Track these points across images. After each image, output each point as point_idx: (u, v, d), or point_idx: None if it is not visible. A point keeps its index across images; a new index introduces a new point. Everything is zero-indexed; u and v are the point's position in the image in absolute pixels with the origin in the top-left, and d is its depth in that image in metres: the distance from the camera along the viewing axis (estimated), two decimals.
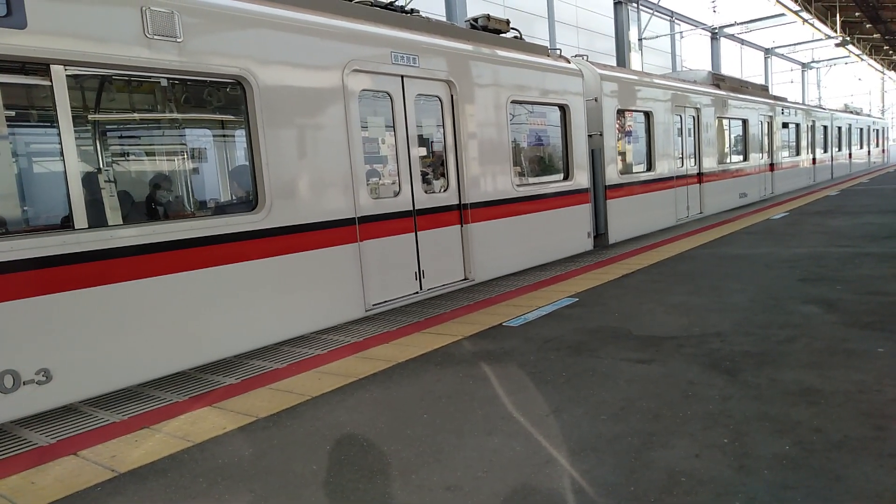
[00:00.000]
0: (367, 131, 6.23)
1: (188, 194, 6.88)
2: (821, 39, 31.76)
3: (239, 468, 2.99)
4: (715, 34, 34.12)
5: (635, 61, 25.28)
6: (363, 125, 6.07)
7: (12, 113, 4.96)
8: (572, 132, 8.99)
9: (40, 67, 3.97)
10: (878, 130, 36.03)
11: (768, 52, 42.46)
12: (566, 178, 9.01)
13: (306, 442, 3.24)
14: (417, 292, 6.56)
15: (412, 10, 6.93)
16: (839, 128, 26.32)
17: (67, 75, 4.04)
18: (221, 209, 6.34)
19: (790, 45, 41.60)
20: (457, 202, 7.03)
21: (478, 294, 6.80)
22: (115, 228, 4.34)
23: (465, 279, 7.15)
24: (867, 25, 22.49)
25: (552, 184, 8.79)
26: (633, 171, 11.15)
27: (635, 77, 11.85)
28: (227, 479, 2.88)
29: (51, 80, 3.97)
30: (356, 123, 5.87)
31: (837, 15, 21.71)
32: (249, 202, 5.22)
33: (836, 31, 22.76)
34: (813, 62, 48.63)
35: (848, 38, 24.81)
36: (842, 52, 33.21)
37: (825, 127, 23.87)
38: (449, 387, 3.92)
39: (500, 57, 7.82)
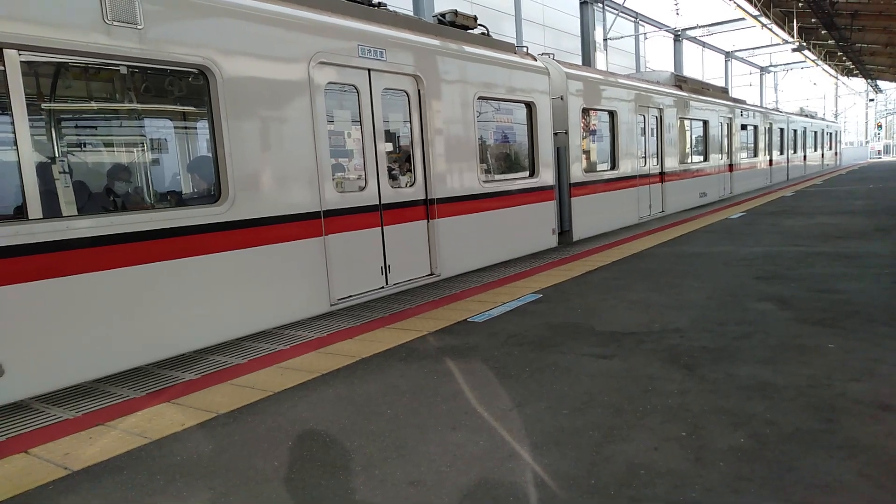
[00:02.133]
0: (333, 125, 6.18)
1: (148, 186, 6.70)
2: (778, 44, 32.70)
3: (198, 465, 2.94)
4: (678, 36, 34.80)
5: (600, 61, 25.60)
6: (329, 118, 6.02)
7: None
8: (538, 130, 9.08)
9: None
10: (831, 134, 37.19)
11: (728, 55, 43.48)
12: (532, 175, 9.10)
13: (267, 438, 3.20)
14: (383, 287, 6.55)
15: (380, 3, 6.90)
16: (795, 131, 27.07)
17: (21, 61, 3.91)
18: (183, 201, 6.21)
19: (749, 49, 42.74)
20: (423, 197, 7.04)
21: (443, 290, 6.82)
22: (70, 219, 4.20)
23: (430, 274, 7.17)
24: (822, 31, 23.19)
25: (518, 180, 8.85)
26: (598, 169, 11.33)
27: (600, 76, 11.99)
28: (186, 476, 2.83)
29: (3, 66, 3.85)
30: (322, 116, 5.82)
31: (795, 21, 22.33)
32: (212, 194, 5.16)
33: (793, 37, 23.41)
34: (771, 66, 50.01)
35: (804, 44, 25.55)
36: (798, 57, 34.23)
37: (781, 129, 24.55)
38: (413, 382, 3.92)
39: (468, 53, 7.84)
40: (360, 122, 6.32)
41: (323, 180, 5.78)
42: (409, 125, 6.94)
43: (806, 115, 30.52)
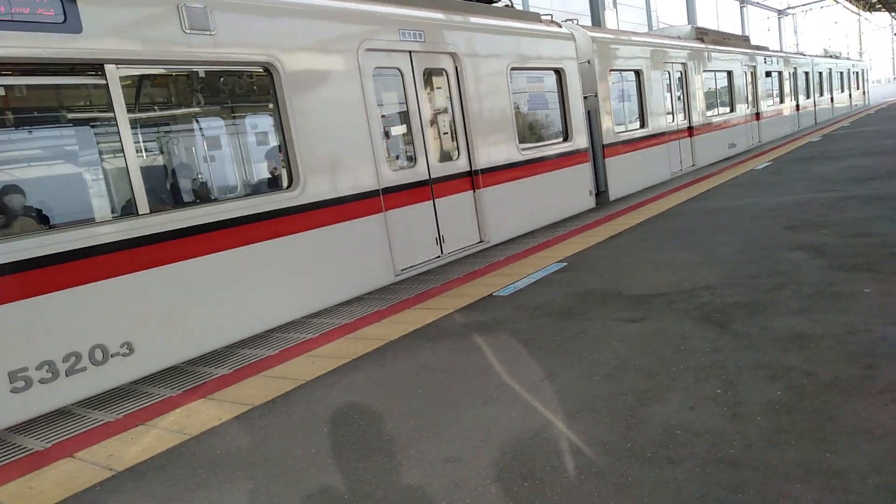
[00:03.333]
0: (383, 107, 6.47)
1: (232, 177, 7.22)
2: None
3: (238, 457, 2.99)
4: None
5: (610, 19, 25.03)
6: (378, 102, 6.34)
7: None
8: (569, 95, 9.29)
9: (96, 68, 4.26)
10: (857, 73, 36.32)
11: (743, 0, 42.18)
12: (566, 139, 9.31)
13: (303, 426, 3.24)
14: (439, 256, 6.93)
15: None
16: (820, 73, 26.50)
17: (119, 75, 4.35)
18: (259, 190, 6.56)
19: None
20: (468, 169, 7.36)
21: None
22: (172, 212, 4.65)
23: (480, 242, 7.51)
24: None
25: (553, 146, 9.05)
26: (628, 129, 11.41)
27: (624, 37, 12.00)
28: (227, 469, 2.88)
29: (106, 80, 4.26)
30: (373, 100, 6.16)
31: None
32: (286, 181, 5.56)
33: None
34: (789, 8, 48.41)
35: None
36: None
37: (806, 73, 24.05)
38: (442, 360, 3.92)
39: (498, 26, 8.06)
40: (406, 101, 6.65)
41: (378, 160, 6.12)
42: (449, 100, 7.22)
43: (830, 56, 29.84)
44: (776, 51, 22.05)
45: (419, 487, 2.49)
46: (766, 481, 2.17)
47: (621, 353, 3.61)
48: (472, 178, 7.39)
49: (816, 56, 27.15)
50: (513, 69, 8.16)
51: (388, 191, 6.23)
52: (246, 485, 2.72)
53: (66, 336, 3.99)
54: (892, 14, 43.41)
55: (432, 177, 6.84)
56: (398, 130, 6.74)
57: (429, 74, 6.95)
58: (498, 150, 7.83)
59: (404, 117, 6.71)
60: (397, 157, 6.66)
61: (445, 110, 7.25)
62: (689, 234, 6.73)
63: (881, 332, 3.32)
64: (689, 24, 32.26)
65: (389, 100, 6.62)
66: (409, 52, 6.62)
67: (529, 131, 8.96)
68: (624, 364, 3.43)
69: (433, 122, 7.02)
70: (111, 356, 4.15)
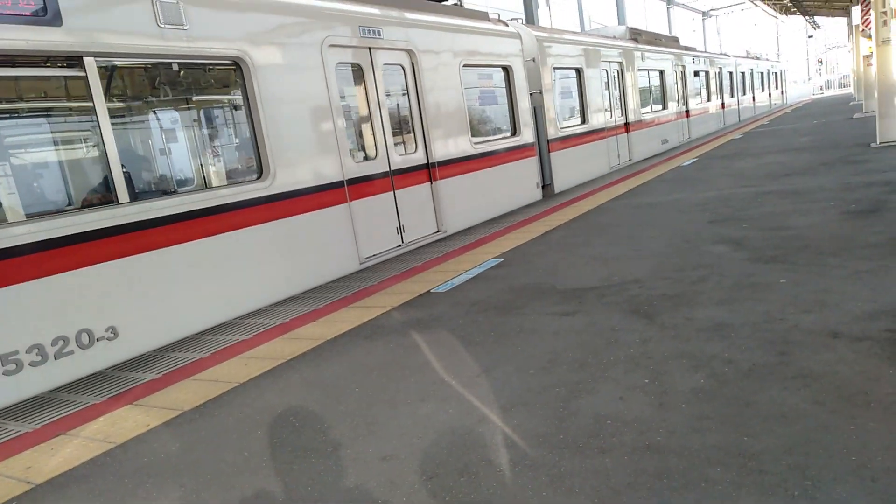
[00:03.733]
0: (345, 101, 6.73)
1: (202, 169, 7.23)
2: None
3: (167, 464, 2.89)
4: None
5: (543, 17, 25.42)
6: (341, 96, 6.57)
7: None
8: (516, 91, 9.72)
9: (75, 61, 4.35)
10: (776, 74, 38.52)
11: (670, 1, 43.68)
12: (514, 134, 9.75)
13: (236, 430, 3.16)
14: (400, 245, 7.25)
15: None
16: (743, 73, 27.90)
17: (99, 66, 4.47)
18: (233, 180, 6.53)
19: None
20: (425, 161, 7.70)
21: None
22: (158, 199, 4.84)
23: (437, 231, 7.88)
24: None
25: (503, 140, 9.50)
26: (570, 125, 11.98)
27: (567, 36, 12.55)
28: (155, 477, 2.78)
29: (85, 72, 4.37)
30: (336, 93, 6.37)
31: None
32: (255, 172, 5.73)
33: None
34: (712, 10, 50.41)
35: None
36: None
37: (730, 73, 25.32)
38: (380, 359, 3.91)
39: (451, 24, 8.43)
40: (366, 95, 6.90)
41: (343, 152, 6.37)
42: (406, 96, 7.56)
43: (752, 58, 31.49)
44: (703, 51, 23.09)
45: (356, 487, 2.48)
46: (690, 466, 2.27)
47: (555, 346, 3.69)
48: (430, 171, 7.73)
49: (740, 57, 28.46)
50: (464, 66, 8.50)
51: (352, 182, 6.51)
52: (175, 493, 2.63)
53: (54, 320, 4.14)
54: (806, 18, 45.90)
55: (392, 169, 7.14)
56: (360, 124, 6.99)
57: (387, 70, 7.22)
58: (453, 143, 8.17)
59: (365, 111, 6.94)
60: (361, 150, 6.91)
61: (403, 105, 7.55)
62: (620, 229, 6.94)
63: (794, 321, 3.52)
64: (619, 23, 33.18)
65: (351, 94, 6.87)
66: (369, 48, 6.90)
67: (481, 126, 9.33)
68: (557, 357, 3.51)
69: (392, 116, 7.28)
70: (97, 340, 4.35)
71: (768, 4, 35.49)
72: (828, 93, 60.96)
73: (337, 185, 6.31)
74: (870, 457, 2.16)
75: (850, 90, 42.36)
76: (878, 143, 11.12)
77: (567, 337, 3.81)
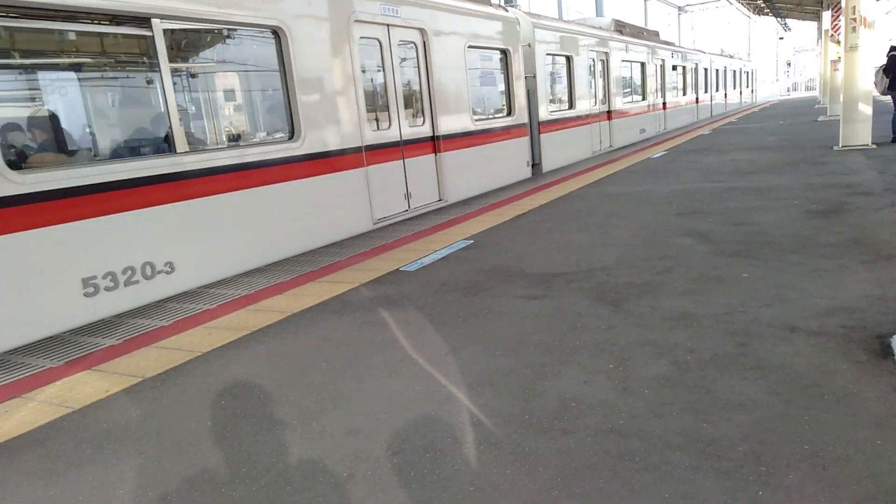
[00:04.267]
0: (364, 72, 7.20)
1: (247, 126, 7.64)
2: None
3: (126, 431, 2.84)
4: None
5: (522, 3, 25.28)
6: (362, 68, 7.08)
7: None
8: (513, 73, 10.26)
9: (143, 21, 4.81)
10: (748, 73, 39.67)
11: None
12: (509, 114, 10.34)
13: (199, 399, 3.12)
14: (406, 210, 7.80)
15: None
16: (717, 70, 28.64)
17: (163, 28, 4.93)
18: (270, 139, 6.80)
19: None
20: (431, 134, 8.25)
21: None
22: (211, 151, 5.46)
23: (439, 200, 8.46)
24: None
25: (500, 119, 10.14)
26: (559, 109, 12.59)
27: (559, 24, 13.10)
28: (115, 443, 2.74)
29: (152, 31, 4.85)
30: (358, 66, 6.91)
31: None
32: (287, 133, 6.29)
33: None
34: (688, 6, 50.86)
35: None
36: None
37: (706, 69, 26.01)
38: (347, 334, 3.90)
39: (459, 7, 8.98)
40: (384, 69, 7.44)
41: (362, 120, 6.93)
42: (416, 71, 8.11)
43: (726, 56, 32.43)
44: (681, 47, 23.71)
45: (319, 460, 2.47)
46: (651, 450, 2.33)
47: (522, 328, 3.73)
48: (435, 143, 8.28)
49: (714, 55, 29.15)
50: (469, 47, 9.06)
51: (369, 148, 7.05)
52: (135, 459, 2.59)
53: (124, 251, 4.67)
54: (778, 20, 46.70)
55: (403, 139, 7.68)
56: (376, 95, 7.48)
57: (402, 46, 7.77)
58: (456, 119, 8.76)
59: (381, 83, 7.48)
60: (376, 119, 7.35)
61: (414, 80, 8.10)
62: (589, 216, 7.02)
63: (755, 314, 3.62)
64: (596, 12, 33.25)
65: (369, 66, 7.34)
66: (388, 25, 7.42)
67: (480, 105, 9.93)
68: (524, 339, 3.55)
69: (403, 89, 7.81)
70: (157, 272, 4.88)
71: (742, 3, 35.98)
72: (794, 95, 62.33)
73: (356, 151, 6.88)
74: (822, 446, 2.25)
75: (816, 93, 43.60)
76: (840, 146, 11.44)
77: (534, 320, 3.85)
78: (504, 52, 10.12)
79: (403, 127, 7.69)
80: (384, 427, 2.69)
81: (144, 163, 4.84)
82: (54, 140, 5.15)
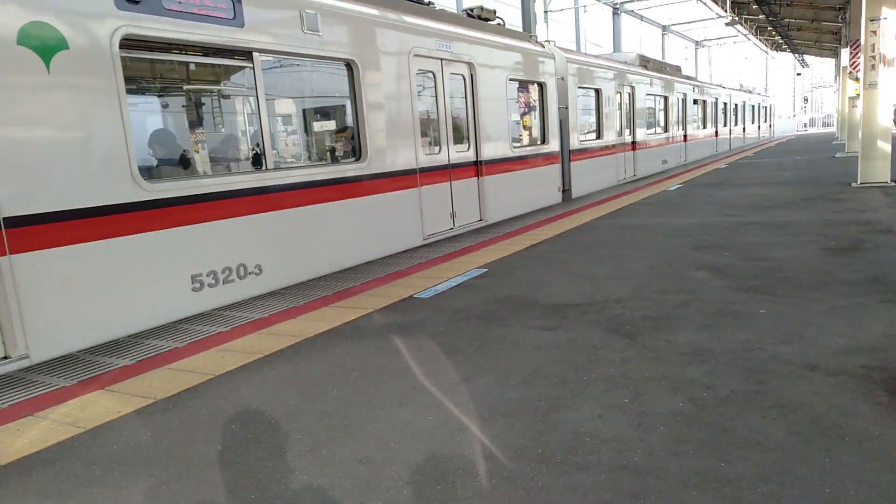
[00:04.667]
0: (420, 100, 7.93)
1: (323, 148, 8.13)
2: (712, 18, 33.55)
3: (136, 453, 2.83)
4: (616, 9, 35.13)
5: (540, 33, 25.63)
6: (418, 97, 7.84)
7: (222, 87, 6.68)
8: (548, 105, 11.10)
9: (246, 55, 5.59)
10: (766, 108, 40.29)
11: (665, 28, 44.29)
12: (543, 142, 11.14)
13: (210, 422, 3.11)
14: (451, 228, 8.48)
15: (429, 2, 8.74)
16: (736, 104, 29.28)
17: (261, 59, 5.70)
18: (339, 160, 7.48)
19: (685, 23, 43.55)
20: (474, 159, 8.98)
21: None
22: (291, 169, 6.31)
23: (480, 220, 9.13)
24: (753, 6, 23.83)
25: (535, 147, 10.93)
26: (588, 139, 13.38)
27: (590, 60, 14.01)
28: (124, 465, 2.73)
29: (252, 64, 5.61)
30: (415, 94, 7.66)
31: None
32: (356, 155, 7.01)
33: (725, 11, 24.01)
34: (705, 40, 51.19)
35: (736, 18, 26.28)
36: (731, 31, 35.21)
37: (724, 104, 26.60)
38: (359, 360, 3.88)
39: (502, 43, 9.80)
40: (436, 98, 8.19)
41: (417, 144, 7.67)
42: (464, 101, 8.87)
43: (745, 91, 33.09)
44: (702, 81, 24.39)
45: (329, 488, 2.45)
46: (666, 488, 2.28)
47: (536, 359, 3.69)
48: (477, 167, 9.01)
49: (733, 89, 29.82)
50: (510, 79, 9.87)
51: (422, 170, 7.76)
52: (144, 482, 2.58)
53: (224, 253, 5.32)
54: (796, 56, 46.84)
55: (451, 163, 8.42)
56: (429, 122, 8.21)
57: (452, 78, 8.55)
58: (497, 145, 9.51)
59: (433, 111, 8.22)
60: (428, 144, 8.12)
61: (460, 109, 8.85)
62: (604, 248, 6.99)
63: (773, 351, 3.56)
64: (614, 44, 33.57)
65: (424, 96, 8.11)
66: (441, 59, 8.23)
67: (518, 133, 10.73)
68: (538, 370, 3.52)
69: (452, 117, 8.56)
70: (248, 273, 5.52)
71: (760, 39, 36.17)
72: (811, 130, 62.23)
73: (412, 172, 7.62)
74: (843, 490, 2.19)
75: (833, 129, 43.60)
76: (858, 182, 11.36)
77: (548, 351, 3.82)
78: (540, 85, 10.91)
79: (451, 152, 8.44)
80: (395, 456, 2.66)
81: (242, 177, 5.57)
82: (172, 155, 5.96)
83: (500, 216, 9.60)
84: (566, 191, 12.04)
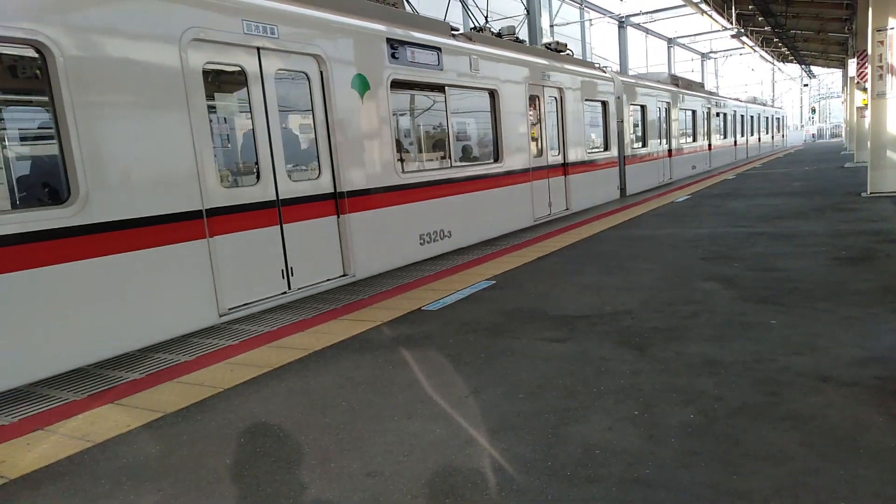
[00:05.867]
0: (531, 116, 10.42)
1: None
2: (718, 31, 33.62)
3: (145, 467, 2.83)
4: (622, 23, 35.25)
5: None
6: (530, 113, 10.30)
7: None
8: (609, 120, 13.69)
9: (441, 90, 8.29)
10: (779, 119, 43.66)
11: (671, 41, 44.36)
12: (606, 149, 13.68)
13: (218, 436, 3.11)
14: (549, 214, 10.92)
15: (517, 38, 11.26)
16: (752, 117, 32.12)
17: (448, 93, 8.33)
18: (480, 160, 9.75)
19: (691, 36, 43.61)
20: (562, 161, 11.34)
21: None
22: (466, 166, 8.89)
23: (567, 209, 11.48)
24: (759, 18, 23.85)
25: (602, 153, 13.44)
26: (637, 147, 15.86)
27: (638, 81, 16.65)
28: (133, 479, 2.72)
29: (445, 96, 8.32)
30: (527, 112, 10.10)
31: (733, 7, 22.90)
32: (493, 157, 9.48)
33: (731, 23, 24.05)
34: (711, 52, 51.21)
35: (742, 30, 26.31)
36: (737, 43, 35.35)
37: (742, 116, 29.31)
38: (368, 373, 3.87)
39: (580, 71, 12.47)
40: (538, 115, 10.51)
41: (529, 151, 10.09)
42: (555, 116, 11.36)
43: (759, 104, 36.25)
44: (723, 96, 26.85)
45: (338, 502, 2.43)
46: (678, 501, 2.25)
47: (545, 372, 3.67)
48: (565, 168, 11.44)
49: (749, 103, 32.58)
50: (585, 100, 12.35)
51: (533, 169, 10.18)
52: (153, 496, 2.58)
53: (434, 222, 7.93)
54: (802, 66, 46.77)
55: (549, 164, 10.81)
56: (536, 133, 10.61)
57: (549, 99, 11.01)
58: (577, 150, 12.00)
59: (536, 125, 10.53)
60: (537, 149, 10.52)
61: (553, 123, 11.24)
62: (612, 259, 6.97)
63: (784, 362, 3.53)
64: (620, 58, 33.67)
65: (530, 113, 10.34)
66: (543, 85, 10.72)
67: (589, 142, 13.14)
68: (547, 383, 3.50)
69: (534, 125, 10.59)
70: (444, 236, 8.09)
71: (767, 51, 36.18)
72: (820, 141, 62.03)
73: (526, 171, 9.99)
74: (859, 503, 2.16)
75: (842, 139, 43.98)
76: (868, 192, 11.29)
77: (557, 363, 3.80)
78: (603, 103, 13.47)
79: (549, 156, 10.89)
80: (404, 470, 2.65)
81: (444, 171, 8.23)
82: (410, 147, 8.49)
83: (580, 206, 12.13)
84: (622, 189, 14.53)
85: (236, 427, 3.20)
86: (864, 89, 14.00)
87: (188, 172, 4.97)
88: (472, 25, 11.16)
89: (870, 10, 10.96)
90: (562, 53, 12.33)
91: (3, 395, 3.85)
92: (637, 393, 3.26)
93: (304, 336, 4.74)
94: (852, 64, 22.02)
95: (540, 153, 10.66)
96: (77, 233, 4.21)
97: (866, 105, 12.92)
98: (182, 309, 4.95)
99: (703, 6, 23.76)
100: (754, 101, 35.43)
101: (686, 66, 48.92)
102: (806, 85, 64.77)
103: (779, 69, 54.12)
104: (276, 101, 5.86)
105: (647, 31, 39.42)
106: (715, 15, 24.98)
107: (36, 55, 4.11)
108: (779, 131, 43.33)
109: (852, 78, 22.65)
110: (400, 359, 4.10)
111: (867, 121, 12.20)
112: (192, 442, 3.05)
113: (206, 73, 5.18)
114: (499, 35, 10.55)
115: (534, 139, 10.49)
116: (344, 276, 6.59)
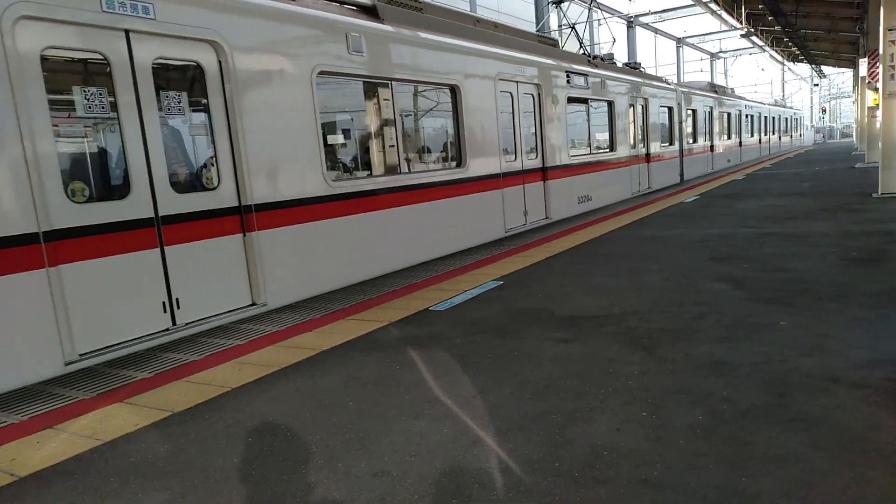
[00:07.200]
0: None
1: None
2: (727, 31, 33.56)
3: (154, 466, 2.85)
4: (630, 23, 35.14)
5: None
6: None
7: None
8: (675, 120, 17.36)
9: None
10: (797, 119, 47.96)
11: (680, 41, 44.16)
12: (671, 143, 17.31)
13: (226, 435, 3.12)
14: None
15: (593, 56, 13.72)
16: (774, 117, 36.08)
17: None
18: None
19: (700, 35, 43.41)
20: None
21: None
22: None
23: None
24: (769, 18, 23.71)
25: (668, 147, 16.99)
26: (692, 143, 19.57)
27: (692, 90, 20.08)
28: (141, 478, 2.74)
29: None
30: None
31: (743, 7, 22.78)
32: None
33: (741, 23, 23.92)
34: (721, 52, 50.94)
35: (752, 30, 26.21)
36: (746, 43, 35.31)
37: (765, 117, 33.33)
38: (375, 373, 3.88)
39: (656, 84, 16.00)
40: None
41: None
42: (643, 120, 15.02)
43: (780, 105, 40.73)
44: (750, 100, 30.51)
45: (345, 501, 2.44)
46: (686, 503, 2.24)
47: (552, 372, 3.67)
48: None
49: (772, 105, 36.64)
50: (660, 106, 15.90)
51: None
52: (161, 495, 2.59)
53: (580, 190, 10.88)
54: (812, 66, 46.46)
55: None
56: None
57: (637, 107, 14.57)
58: (657, 145, 15.67)
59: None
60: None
61: (641, 126, 14.67)
62: (621, 260, 6.95)
63: (793, 363, 3.50)
64: (628, 57, 33.57)
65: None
66: (646, 98, 14.92)
67: (663, 137, 16.73)
68: (554, 383, 3.49)
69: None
70: (587, 199, 10.89)
71: (776, 51, 35.98)
72: (830, 141, 61.59)
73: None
74: None
75: (852, 139, 44.21)
76: (879, 193, 11.20)
77: (564, 364, 3.79)
78: (670, 109, 17.08)
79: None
80: (411, 470, 2.65)
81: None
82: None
83: (655, 186, 15.59)
84: (681, 175, 18.16)
85: (244, 426, 3.21)
86: (876, 89, 13.88)
87: (13, 184, 3.90)
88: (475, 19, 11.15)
89: (881, 9, 10.87)
90: (636, 70, 15.88)
91: (13, 393, 3.88)
92: (645, 394, 3.25)
93: (312, 336, 4.76)
94: (863, 64, 21.87)
95: (633, 146, 14.20)
96: None
97: (877, 105, 12.81)
98: (5, 357, 3.93)
99: (713, 6, 23.70)
100: (775, 103, 39.53)
101: (695, 66, 48.70)
102: (816, 85, 64.34)
103: (789, 69, 53.79)
104: (155, 98, 4.74)
105: (655, 30, 39.26)
106: (725, 14, 24.88)
107: None
108: (797, 130, 47.75)
109: (863, 78, 22.50)
110: (407, 359, 4.10)
111: (878, 121, 12.10)
112: (200, 441, 3.07)
113: (47, 59, 4.18)
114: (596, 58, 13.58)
115: (620, 135, 13.50)
116: (252, 305, 5.45)
